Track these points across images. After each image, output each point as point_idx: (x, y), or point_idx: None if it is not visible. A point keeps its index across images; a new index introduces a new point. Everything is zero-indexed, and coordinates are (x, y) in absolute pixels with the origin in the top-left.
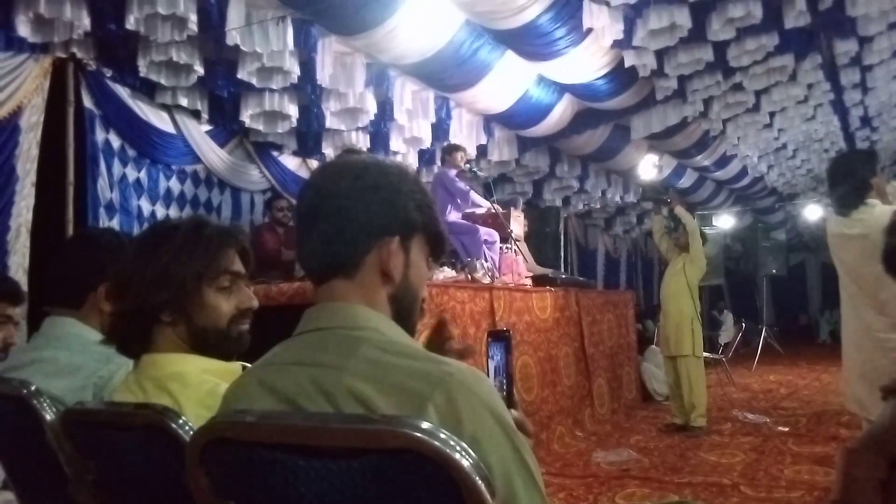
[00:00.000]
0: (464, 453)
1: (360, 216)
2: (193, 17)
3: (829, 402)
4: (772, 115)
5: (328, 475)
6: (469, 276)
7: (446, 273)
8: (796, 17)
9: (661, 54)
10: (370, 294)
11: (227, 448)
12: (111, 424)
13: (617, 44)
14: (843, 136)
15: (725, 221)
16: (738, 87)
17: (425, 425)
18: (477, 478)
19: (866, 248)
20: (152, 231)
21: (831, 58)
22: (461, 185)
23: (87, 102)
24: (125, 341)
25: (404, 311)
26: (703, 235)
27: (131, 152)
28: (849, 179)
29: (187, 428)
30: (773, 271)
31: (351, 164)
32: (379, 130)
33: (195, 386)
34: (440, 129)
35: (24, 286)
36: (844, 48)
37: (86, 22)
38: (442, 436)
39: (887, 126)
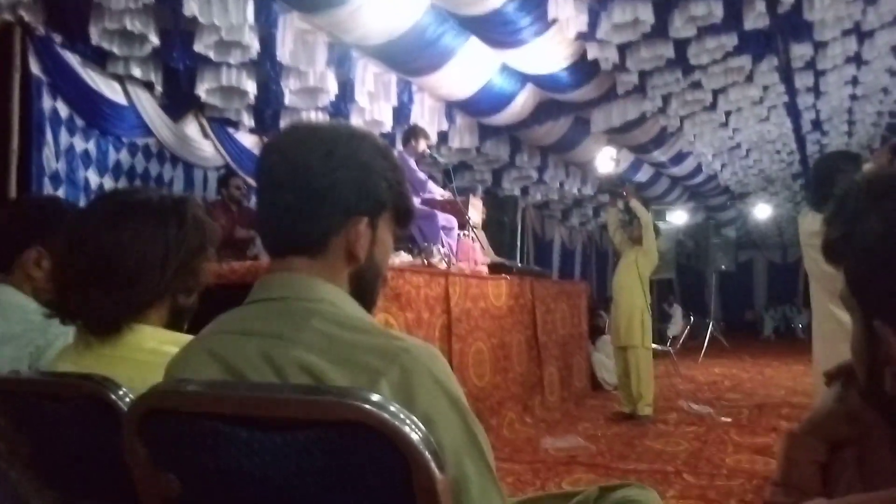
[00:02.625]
0: (413, 426)
1: (331, 196)
2: None
3: (770, 394)
4: (727, 114)
5: (272, 447)
6: (425, 261)
7: (403, 257)
8: (755, 18)
9: (623, 49)
10: (331, 272)
11: (167, 419)
12: (47, 395)
13: (581, 36)
14: (794, 139)
15: (679, 217)
16: (696, 86)
17: (375, 397)
18: (426, 452)
19: None
20: (133, 210)
21: (787, 61)
22: (420, 175)
23: (35, 69)
24: (112, 325)
25: (366, 287)
26: (656, 229)
27: (80, 122)
28: (835, 177)
29: (127, 399)
30: (723, 267)
31: (322, 134)
32: (339, 111)
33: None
34: (401, 113)
35: None
36: (800, 52)
37: None
38: (391, 408)
39: (837, 130)
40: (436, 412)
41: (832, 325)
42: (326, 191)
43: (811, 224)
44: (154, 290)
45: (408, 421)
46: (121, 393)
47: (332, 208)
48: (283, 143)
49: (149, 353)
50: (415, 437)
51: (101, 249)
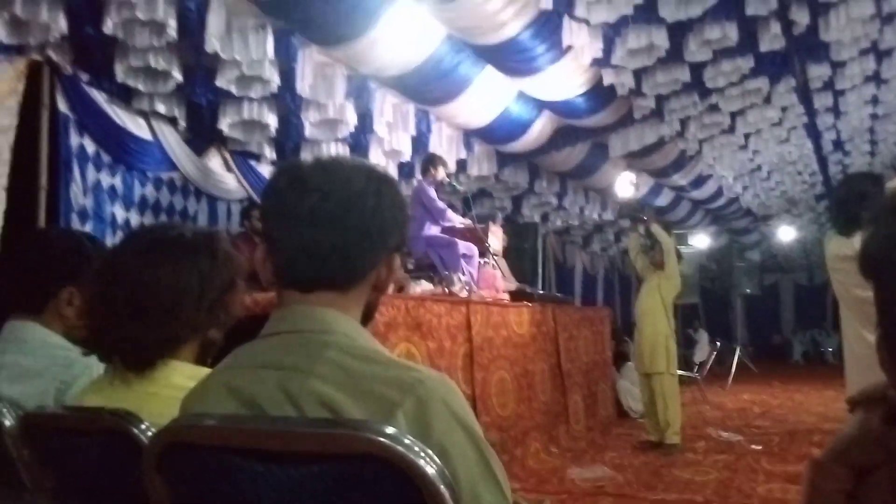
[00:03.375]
0: (428, 460)
1: (380, 235)
2: (172, 23)
3: (801, 421)
4: (747, 136)
5: (288, 481)
6: (446, 290)
7: (424, 286)
8: (771, 40)
9: (639, 74)
10: (353, 304)
11: (186, 453)
12: (72, 430)
13: (596, 62)
14: (815, 159)
15: (701, 241)
16: (714, 108)
17: (389, 430)
18: (441, 485)
19: None
20: (168, 246)
21: (805, 82)
22: (439, 203)
23: (62, 106)
24: (149, 360)
25: (370, 313)
26: (678, 254)
27: (106, 158)
28: (859, 200)
29: (149, 434)
30: (748, 291)
31: (361, 174)
32: (358, 142)
33: None
34: (420, 142)
35: None
36: (818, 72)
37: (62, 25)
38: (406, 441)
39: (859, 150)
40: (451, 443)
41: (864, 350)
42: (376, 230)
43: (836, 248)
44: (190, 325)
45: (423, 454)
46: (143, 427)
47: (381, 246)
48: (322, 183)
49: (176, 389)
50: (430, 470)
51: (138, 285)
